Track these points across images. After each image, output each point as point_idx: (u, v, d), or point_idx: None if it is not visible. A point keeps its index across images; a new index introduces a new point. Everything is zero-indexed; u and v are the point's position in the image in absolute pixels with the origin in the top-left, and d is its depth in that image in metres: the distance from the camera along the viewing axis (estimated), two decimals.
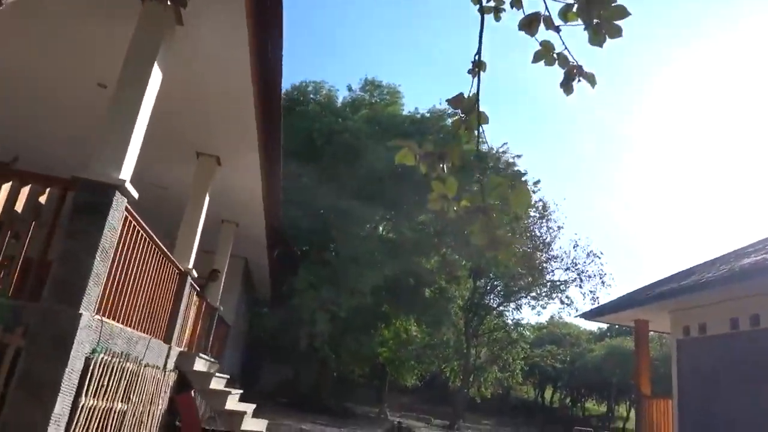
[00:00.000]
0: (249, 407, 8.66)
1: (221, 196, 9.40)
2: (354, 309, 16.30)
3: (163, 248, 6.06)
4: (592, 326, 48.58)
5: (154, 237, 5.54)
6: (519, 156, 20.72)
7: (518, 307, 29.26)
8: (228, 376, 9.92)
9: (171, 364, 7.15)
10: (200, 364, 7.96)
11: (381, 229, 22.08)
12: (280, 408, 18.13)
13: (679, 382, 11.22)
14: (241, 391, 9.52)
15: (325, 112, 16.96)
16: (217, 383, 8.15)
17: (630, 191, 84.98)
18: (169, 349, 6.86)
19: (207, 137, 7.40)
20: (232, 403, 7.96)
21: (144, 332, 5.76)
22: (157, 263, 5.95)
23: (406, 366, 23.55)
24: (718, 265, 11.17)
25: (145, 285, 5.52)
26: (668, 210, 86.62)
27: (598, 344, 38.03)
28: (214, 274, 10.43)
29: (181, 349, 7.75)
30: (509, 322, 29.86)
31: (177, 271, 6.97)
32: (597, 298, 26.45)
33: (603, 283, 26.96)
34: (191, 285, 7.83)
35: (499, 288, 28.54)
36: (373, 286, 16.21)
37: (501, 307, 29.18)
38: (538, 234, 27.02)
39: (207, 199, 7.78)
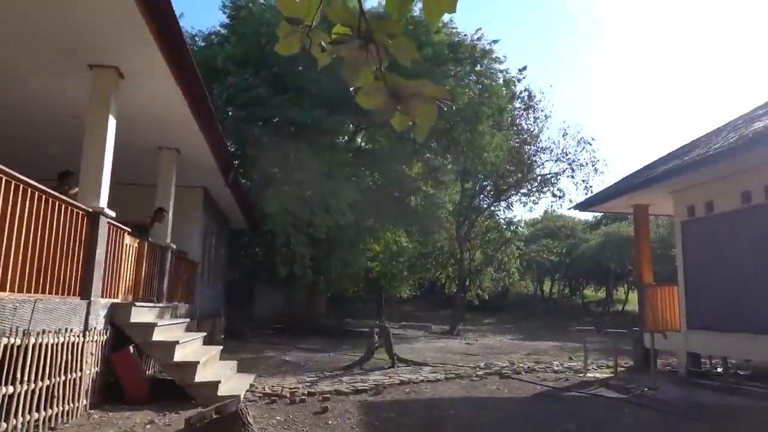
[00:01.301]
0: (210, 352, 7.72)
1: (142, 119, 7.97)
2: (334, 227, 15.24)
3: (46, 189, 4.76)
4: (587, 216, 48.40)
5: (22, 178, 4.25)
6: (495, 41, 18.84)
7: (509, 206, 28.39)
8: (187, 320, 8.95)
9: (99, 321, 6.06)
10: (141, 315, 6.89)
11: (357, 140, 20.62)
12: (273, 336, 17.59)
13: (686, 268, 10.36)
14: (203, 334, 8.58)
15: (273, 12, 14.92)
16: (167, 332, 7.13)
17: (622, 70, 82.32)
18: (89, 304, 5.73)
19: (93, 43, 5.85)
20: (186, 352, 6.97)
21: (31, 293, 4.58)
22: (38, 208, 4.68)
23: (399, 278, 23.00)
24: (725, 133, 9.95)
25: (13, 238, 4.27)
26: (664, 88, 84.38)
27: (593, 233, 37.66)
28: (159, 214, 9.19)
29: (114, 301, 6.65)
30: (501, 221, 29.13)
31: (82, 213, 5.69)
32: (590, 187, 25.52)
33: (596, 170, 26.00)
34: (114, 226, 6.58)
35: (488, 188, 27.49)
36: (351, 202, 15.04)
37: (492, 208, 28.31)
38: (525, 126, 25.61)
39: (112, 121, 6.34)
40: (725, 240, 9.47)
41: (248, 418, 5.02)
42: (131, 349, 6.35)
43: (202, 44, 18.66)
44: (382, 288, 27.92)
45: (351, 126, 19.44)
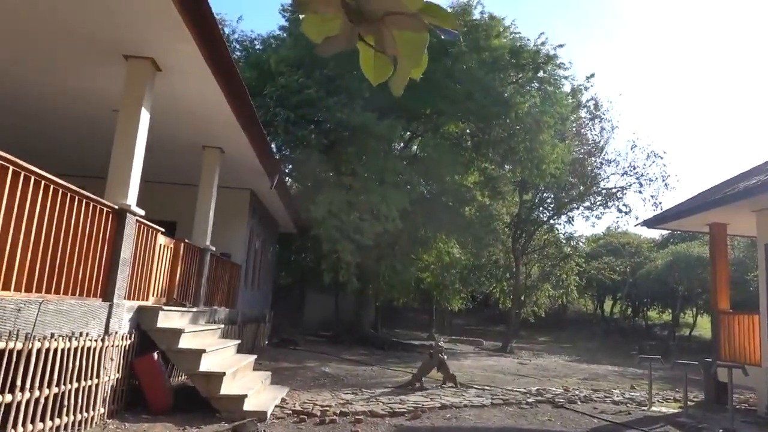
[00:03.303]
0: (242, 361, 7.35)
1: (183, 115, 7.76)
2: (382, 235, 14.74)
3: (63, 183, 4.49)
4: (654, 234, 45.77)
5: (33, 169, 3.98)
6: (560, 46, 17.87)
7: (570, 220, 27.01)
8: (221, 326, 8.65)
9: (123, 324, 5.78)
10: (170, 319, 6.60)
11: (412, 146, 20.10)
12: (318, 344, 17.26)
13: None
14: (237, 342, 8.23)
15: None
16: (197, 338, 6.81)
17: (699, 81, 78.11)
18: (111, 306, 5.44)
19: (127, 33, 5.61)
20: (215, 361, 6.62)
21: (41, 293, 4.30)
22: (54, 203, 4.41)
23: (451, 289, 22.20)
24: None
25: (21, 233, 3.99)
26: (744, 101, 79.39)
27: (660, 252, 35.43)
28: None
29: (143, 304, 6.38)
30: (561, 236, 27.79)
31: (107, 210, 5.43)
32: (659, 203, 23.91)
33: (666, 186, 24.32)
34: (144, 225, 6.33)
35: (549, 200, 26.26)
36: (402, 209, 14.51)
37: (551, 221, 27.03)
38: (590, 137, 24.32)
39: (145, 114, 6.09)
40: None
41: None
42: (155, 355, 6.05)
43: (260, 47, 18.71)
44: (433, 300, 27.20)
45: (404, 132, 18.97)
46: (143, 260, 6.41)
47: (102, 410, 5.34)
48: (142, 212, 6.02)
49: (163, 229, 6.87)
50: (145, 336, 6.24)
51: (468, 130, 19.41)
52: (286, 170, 19.09)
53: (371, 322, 24.67)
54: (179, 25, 5.21)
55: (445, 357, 10.11)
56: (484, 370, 13.78)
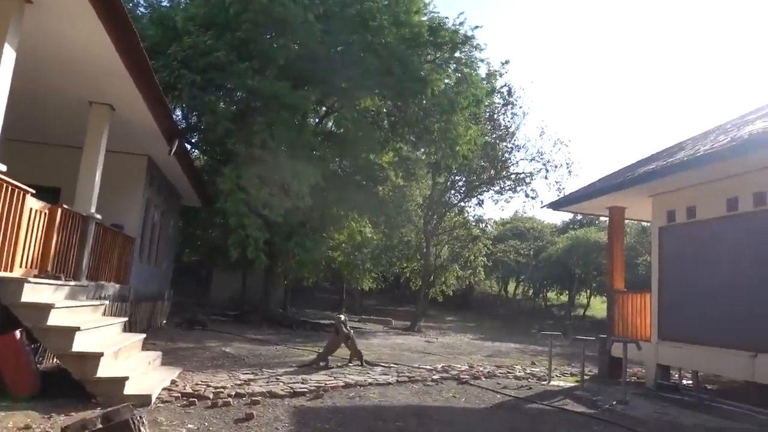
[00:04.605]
0: (127, 341, 6.66)
1: (64, 62, 6.82)
2: (293, 212, 14.18)
3: None
4: (556, 219, 48.38)
5: None
6: (477, 27, 17.94)
7: (480, 203, 27.72)
8: (105, 302, 7.85)
9: None
10: (38, 293, 5.78)
11: (327, 123, 19.52)
12: (223, 324, 16.49)
13: (661, 276, 9.71)
14: (123, 320, 7.48)
15: None
16: (71, 315, 6.04)
17: (606, 68, 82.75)
18: None
19: None
20: (93, 340, 5.90)
21: None
22: None
23: (362, 269, 22.01)
24: (714, 136, 9.30)
25: None
26: (647, 92, 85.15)
27: (561, 237, 37.42)
28: None
29: (5, 275, 5.53)
30: (471, 218, 28.46)
31: None
32: (563, 189, 25.02)
33: (570, 172, 25.51)
34: (5, 184, 5.46)
35: (460, 183, 26.75)
36: (314, 186, 14.01)
37: (462, 203, 27.59)
38: (502, 122, 24.92)
39: (9, 51, 5.20)
40: (705, 248, 8.83)
41: (141, 429, 4.02)
42: (18, 333, 5.26)
43: (166, 4, 17.31)
44: (344, 280, 26.94)
45: (320, 107, 18.36)
46: (5, 224, 5.53)
47: None
48: (3, 168, 5.16)
49: (32, 190, 5.98)
50: (8, 312, 5.42)
51: (385, 109, 19.15)
52: (193, 140, 17.92)
53: (280, 302, 24.04)
54: None
55: (352, 332, 9.85)
56: (391, 348, 13.73)
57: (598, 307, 39.39)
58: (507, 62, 24.43)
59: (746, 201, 8.08)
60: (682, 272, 9.25)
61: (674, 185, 9.22)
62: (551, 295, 41.73)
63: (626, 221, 12.49)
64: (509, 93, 24.53)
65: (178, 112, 16.74)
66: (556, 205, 12.83)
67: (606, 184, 10.84)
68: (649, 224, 28.67)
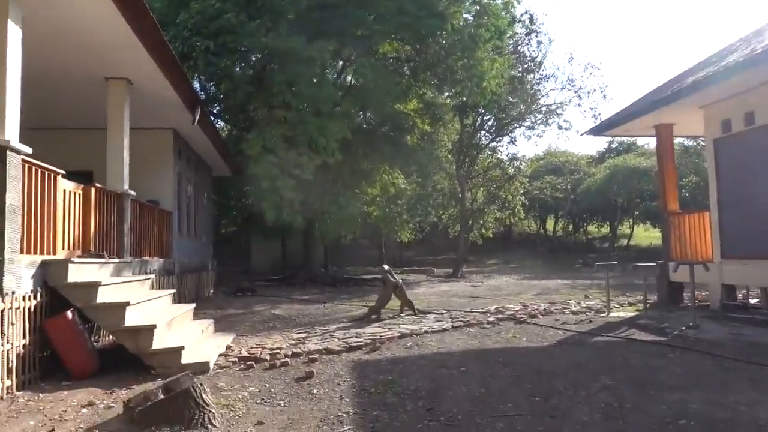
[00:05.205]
0: (179, 311, 6.60)
1: (74, 39, 6.54)
2: (323, 169, 13.92)
3: None
4: (591, 150, 46.76)
5: None
6: None
7: (512, 141, 26.92)
8: (152, 276, 7.81)
9: (23, 282, 4.89)
10: (83, 273, 5.72)
11: (346, 77, 18.94)
12: (268, 288, 16.62)
13: (719, 191, 9.12)
14: (172, 291, 7.44)
15: None
16: (119, 291, 5.97)
17: None
18: (0, 263, 4.53)
19: None
20: (145, 314, 5.85)
21: None
22: None
23: (399, 221, 21.76)
24: None
25: None
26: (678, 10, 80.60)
27: (599, 167, 36.22)
28: None
29: (47, 258, 5.45)
30: (504, 158, 27.74)
31: None
32: (598, 115, 24.00)
33: (605, 97, 24.61)
34: (36, 167, 5.30)
35: (490, 123, 25.91)
36: (341, 141, 13.67)
37: (494, 143, 26.84)
38: (527, 53, 23.82)
39: (14, 28, 4.95)
40: (767, 156, 8.20)
41: (204, 396, 3.90)
42: (69, 314, 5.21)
43: None
44: (382, 234, 26.82)
45: (335, 59, 17.75)
46: (41, 208, 5.42)
47: (8, 382, 4.54)
48: (28, 150, 4.99)
49: (63, 172, 5.84)
50: (57, 294, 5.37)
51: (404, 54, 18.43)
52: (215, 111, 17.69)
53: (321, 262, 24.14)
54: None
55: (401, 281, 9.68)
56: (438, 296, 13.60)
57: (642, 236, 38.47)
58: None
59: None
60: (743, 185, 8.65)
61: (729, 91, 8.52)
62: (592, 228, 40.90)
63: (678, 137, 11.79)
64: (531, 21, 23.33)
65: (196, 84, 16.46)
66: (597, 131, 12.17)
67: (654, 97, 10.14)
68: (693, 143, 27.34)
